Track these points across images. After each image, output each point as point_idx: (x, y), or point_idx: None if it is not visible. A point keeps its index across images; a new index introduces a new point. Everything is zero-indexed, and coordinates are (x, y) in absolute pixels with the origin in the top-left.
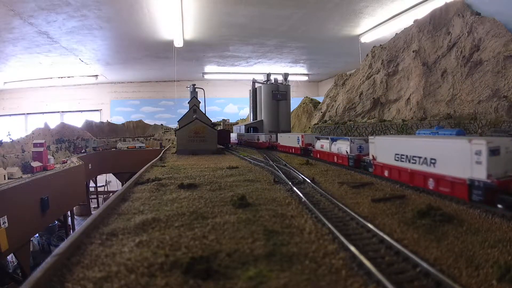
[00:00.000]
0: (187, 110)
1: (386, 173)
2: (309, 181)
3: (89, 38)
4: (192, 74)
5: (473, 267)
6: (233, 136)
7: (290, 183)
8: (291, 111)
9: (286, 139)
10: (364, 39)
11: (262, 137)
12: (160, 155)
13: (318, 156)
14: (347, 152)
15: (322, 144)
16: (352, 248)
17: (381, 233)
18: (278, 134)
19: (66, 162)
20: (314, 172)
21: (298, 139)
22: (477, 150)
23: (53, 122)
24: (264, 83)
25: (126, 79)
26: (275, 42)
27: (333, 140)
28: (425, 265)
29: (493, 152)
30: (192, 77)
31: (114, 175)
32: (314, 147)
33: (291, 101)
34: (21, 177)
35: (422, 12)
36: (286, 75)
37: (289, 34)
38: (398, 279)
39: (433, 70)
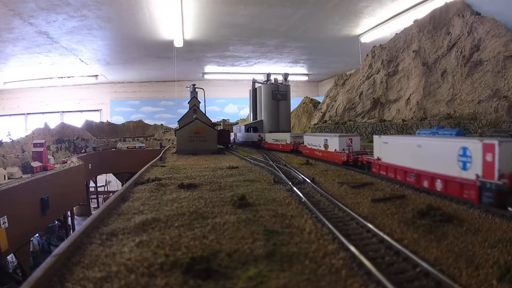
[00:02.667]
0: (187, 110)
1: None
2: (309, 181)
3: (89, 38)
4: (192, 74)
5: (473, 267)
6: (269, 137)
7: (290, 183)
8: (291, 111)
9: (398, 150)
10: (364, 39)
11: (335, 143)
12: (160, 155)
13: None
14: None
15: None
16: (352, 248)
17: (381, 233)
18: (374, 136)
19: (66, 162)
20: (314, 172)
21: (469, 156)
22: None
23: (53, 122)
24: (264, 83)
25: (126, 79)
26: (275, 42)
27: None
28: (425, 265)
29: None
30: (192, 77)
31: (114, 175)
32: None
33: (291, 101)
34: (21, 177)
35: (422, 12)
36: (286, 75)
37: (289, 34)
38: (398, 279)
39: (433, 70)
